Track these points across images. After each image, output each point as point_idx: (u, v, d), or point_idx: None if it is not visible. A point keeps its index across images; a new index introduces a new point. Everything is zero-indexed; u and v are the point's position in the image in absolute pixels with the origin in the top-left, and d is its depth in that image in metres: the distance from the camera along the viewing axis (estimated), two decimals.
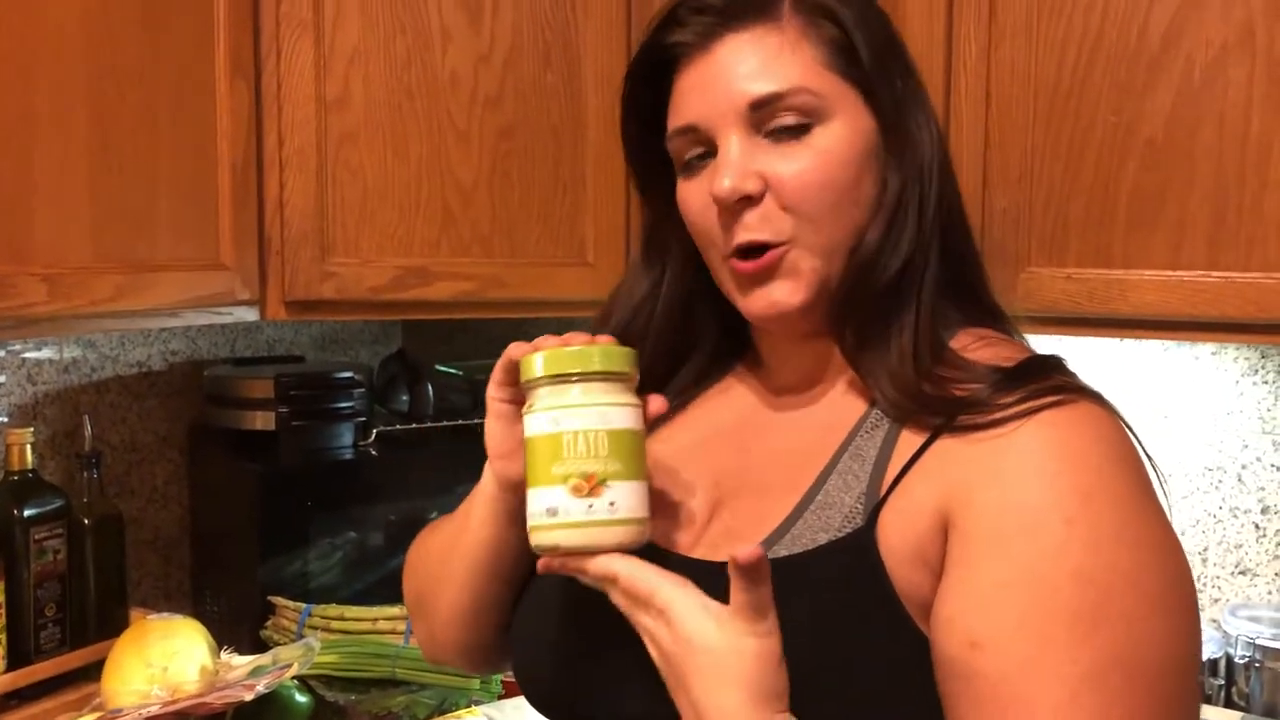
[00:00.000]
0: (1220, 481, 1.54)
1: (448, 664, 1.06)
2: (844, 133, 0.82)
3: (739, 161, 0.82)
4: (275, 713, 1.40)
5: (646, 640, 0.74)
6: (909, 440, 0.78)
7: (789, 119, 0.81)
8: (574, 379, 0.76)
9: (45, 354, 1.63)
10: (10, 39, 1.16)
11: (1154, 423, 1.56)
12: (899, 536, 0.75)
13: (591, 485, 0.74)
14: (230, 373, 1.75)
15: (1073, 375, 0.79)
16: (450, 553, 0.95)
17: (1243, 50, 1.14)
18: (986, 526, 0.72)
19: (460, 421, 1.81)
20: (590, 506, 0.74)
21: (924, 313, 0.82)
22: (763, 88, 0.81)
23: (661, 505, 0.86)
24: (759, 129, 0.82)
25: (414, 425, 1.81)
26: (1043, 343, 0.90)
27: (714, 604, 0.71)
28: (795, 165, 0.81)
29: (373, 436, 1.75)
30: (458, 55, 1.49)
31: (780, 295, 0.83)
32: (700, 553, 0.84)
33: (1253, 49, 1.14)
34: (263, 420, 1.66)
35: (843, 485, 0.80)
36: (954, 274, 0.86)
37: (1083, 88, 1.24)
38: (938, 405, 0.78)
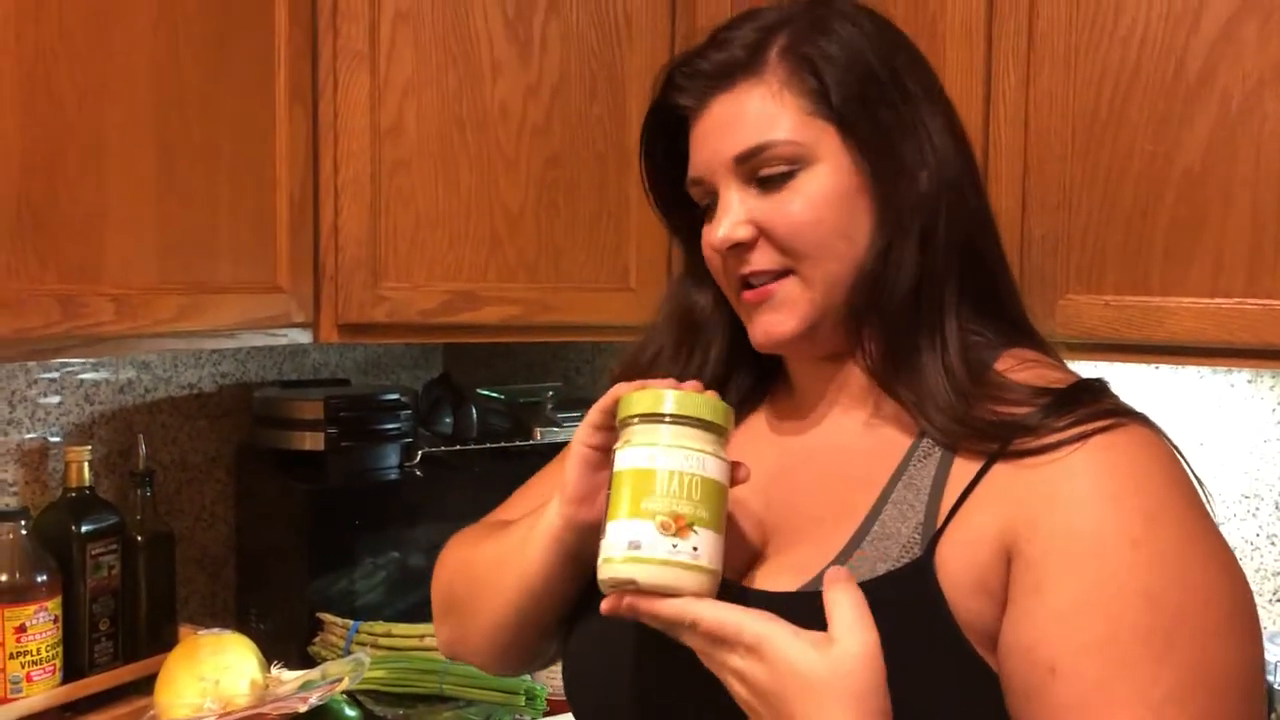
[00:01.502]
0: (1257, 509, 1.54)
1: (468, 663, 1.07)
2: (829, 175, 0.85)
3: (733, 212, 0.87)
4: None
5: (734, 682, 0.73)
6: (963, 468, 0.80)
7: (775, 167, 0.86)
8: (678, 421, 0.77)
9: (102, 375, 1.68)
10: (85, 77, 1.22)
11: (1190, 450, 1.55)
12: (959, 566, 0.76)
13: (679, 526, 0.74)
14: (280, 395, 1.79)
15: (1118, 398, 0.81)
16: (498, 569, 0.96)
17: None
18: (1052, 553, 0.73)
19: (502, 444, 1.84)
20: (674, 546, 0.73)
21: (950, 334, 0.84)
22: (745, 142, 0.86)
23: None
24: (751, 178, 0.87)
25: (457, 447, 1.84)
26: (1080, 369, 0.91)
27: (807, 631, 0.71)
28: (783, 209, 0.85)
29: (418, 458, 1.78)
30: (507, 87, 1.53)
31: (772, 324, 0.87)
32: (757, 584, 0.85)
33: None
34: (311, 441, 1.70)
35: (899, 515, 0.80)
36: (984, 294, 0.88)
37: (1120, 118, 1.26)
38: (989, 430, 0.79)
